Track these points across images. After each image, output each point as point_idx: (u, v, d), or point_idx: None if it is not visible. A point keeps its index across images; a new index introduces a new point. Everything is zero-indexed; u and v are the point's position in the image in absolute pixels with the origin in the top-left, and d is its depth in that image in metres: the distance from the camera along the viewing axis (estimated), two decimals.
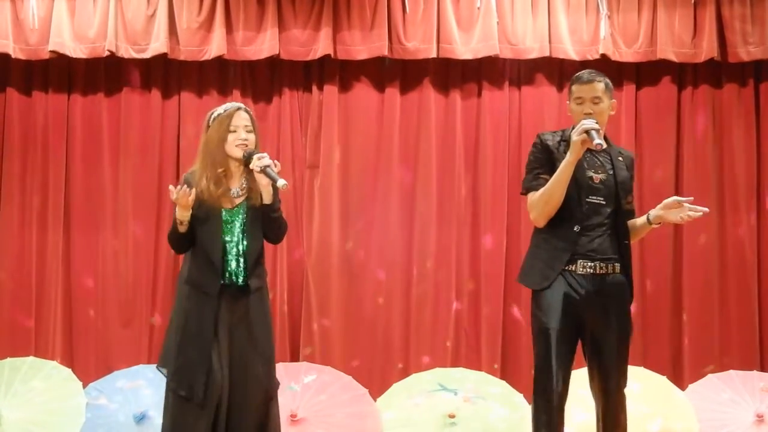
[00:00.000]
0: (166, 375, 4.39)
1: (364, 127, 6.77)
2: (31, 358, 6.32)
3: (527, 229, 6.66)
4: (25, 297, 6.60)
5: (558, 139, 4.39)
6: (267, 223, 4.39)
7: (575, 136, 4.21)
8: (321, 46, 6.50)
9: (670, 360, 6.68)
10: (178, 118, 6.71)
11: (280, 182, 4.23)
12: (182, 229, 4.32)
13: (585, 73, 4.40)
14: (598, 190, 4.34)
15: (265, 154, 4.30)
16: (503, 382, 6.38)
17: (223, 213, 4.37)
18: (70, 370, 6.27)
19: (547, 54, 6.53)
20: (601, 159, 4.39)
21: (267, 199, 4.34)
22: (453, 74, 6.77)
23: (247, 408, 4.30)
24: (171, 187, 4.29)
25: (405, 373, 6.49)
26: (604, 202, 4.34)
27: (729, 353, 6.64)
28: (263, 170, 4.27)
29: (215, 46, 6.46)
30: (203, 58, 6.50)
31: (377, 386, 6.37)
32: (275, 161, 4.32)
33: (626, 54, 6.60)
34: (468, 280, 6.70)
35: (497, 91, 6.77)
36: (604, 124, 4.35)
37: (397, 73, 6.76)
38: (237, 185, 4.41)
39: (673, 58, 6.59)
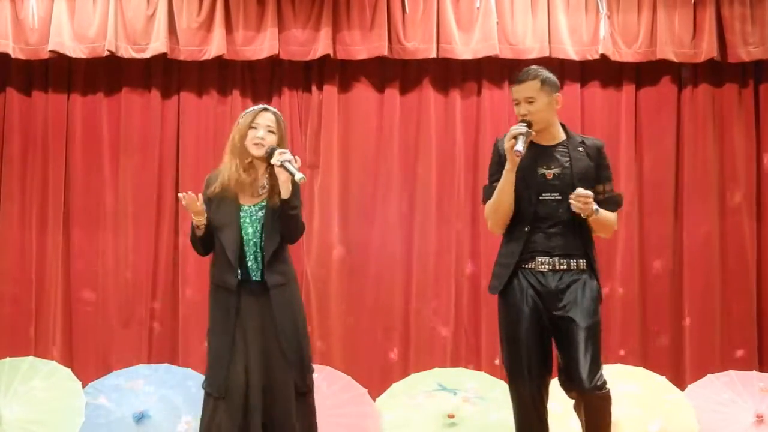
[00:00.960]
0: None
1: (364, 127, 6.77)
2: (30, 358, 6.32)
3: None
4: (24, 297, 6.60)
5: None
6: (284, 219, 4.44)
7: (506, 143, 4.17)
8: (321, 46, 6.50)
9: (670, 360, 6.67)
10: (178, 118, 6.71)
11: (298, 176, 4.33)
12: (199, 233, 4.47)
13: (521, 73, 4.32)
14: (553, 186, 4.26)
15: (286, 150, 4.42)
16: (502, 382, 6.35)
17: (243, 209, 4.46)
18: (69, 370, 6.27)
19: (546, 54, 6.53)
20: (557, 153, 4.31)
21: (285, 194, 4.40)
22: (452, 74, 6.77)
23: (278, 403, 4.38)
24: (179, 195, 4.42)
25: (405, 373, 6.49)
26: (560, 198, 4.26)
27: (728, 353, 6.64)
28: (282, 164, 4.37)
29: (215, 46, 6.46)
30: (203, 58, 6.50)
31: (377, 386, 6.37)
32: (296, 157, 4.42)
33: (626, 54, 6.60)
34: (468, 280, 6.69)
35: (497, 90, 6.77)
36: (544, 122, 4.28)
37: (397, 73, 6.76)
38: (259, 183, 4.51)
39: (672, 58, 6.59)
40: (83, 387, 6.14)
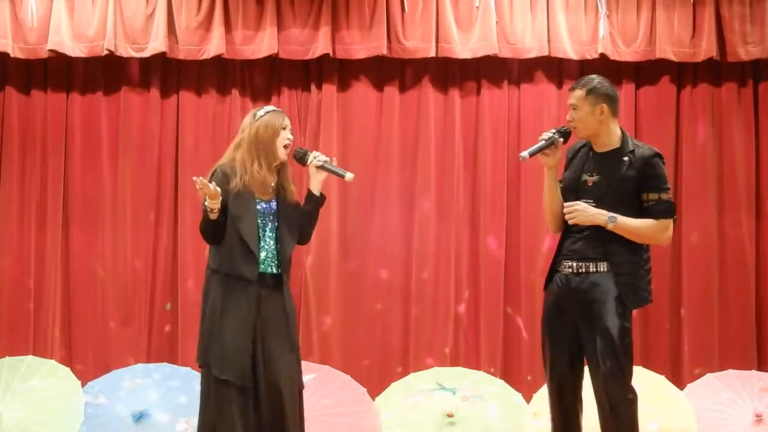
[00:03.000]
0: (203, 365, 4.43)
1: (363, 126, 6.77)
2: (30, 357, 6.32)
3: (526, 227, 6.70)
4: (23, 296, 6.60)
5: (580, 145, 4.51)
6: (313, 218, 4.54)
7: None
8: (320, 45, 6.50)
9: (669, 360, 6.67)
10: (177, 117, 6.71)
11: (348, 175, 4.44)
12: (213, 216, 4.38)
13: (576, 80, 4.53)
14: (590, 192, 4.38)
15: (318, 153, 4.52)
16: (502, 382, 6.37)
17: (260, 204, 4.47)
18: (68, 369, 6.27)
19: (546, 53, 6.54)
20: (603, 161, 4.40)
21: (318, 191, 4.51)
22: (452, 73, 6.76)
23: (282, 398, 4.36)
24: (195, 178, 4.32)
25: (404, 373, 6.49)
26: (594, 205, 4.34)
27: (728, 353, 6.64)
28: (323, 166, 4.45)
29: (214, 45, 6.46)
30: (202, 57, 6.50)
31: (376, 385, 6.36)
32: (332, 157, 4.53)
33: (625, 53, 6.60)
34: (467, 278, 6.69)
35: (496, 90, 6.77)
36: (588, 129, 4.42)
37: (396, 72, 6.76)
38: (271, 181, 4.54)
39: (672, 57, 6.59)
40: (82, 386, 6.14)
